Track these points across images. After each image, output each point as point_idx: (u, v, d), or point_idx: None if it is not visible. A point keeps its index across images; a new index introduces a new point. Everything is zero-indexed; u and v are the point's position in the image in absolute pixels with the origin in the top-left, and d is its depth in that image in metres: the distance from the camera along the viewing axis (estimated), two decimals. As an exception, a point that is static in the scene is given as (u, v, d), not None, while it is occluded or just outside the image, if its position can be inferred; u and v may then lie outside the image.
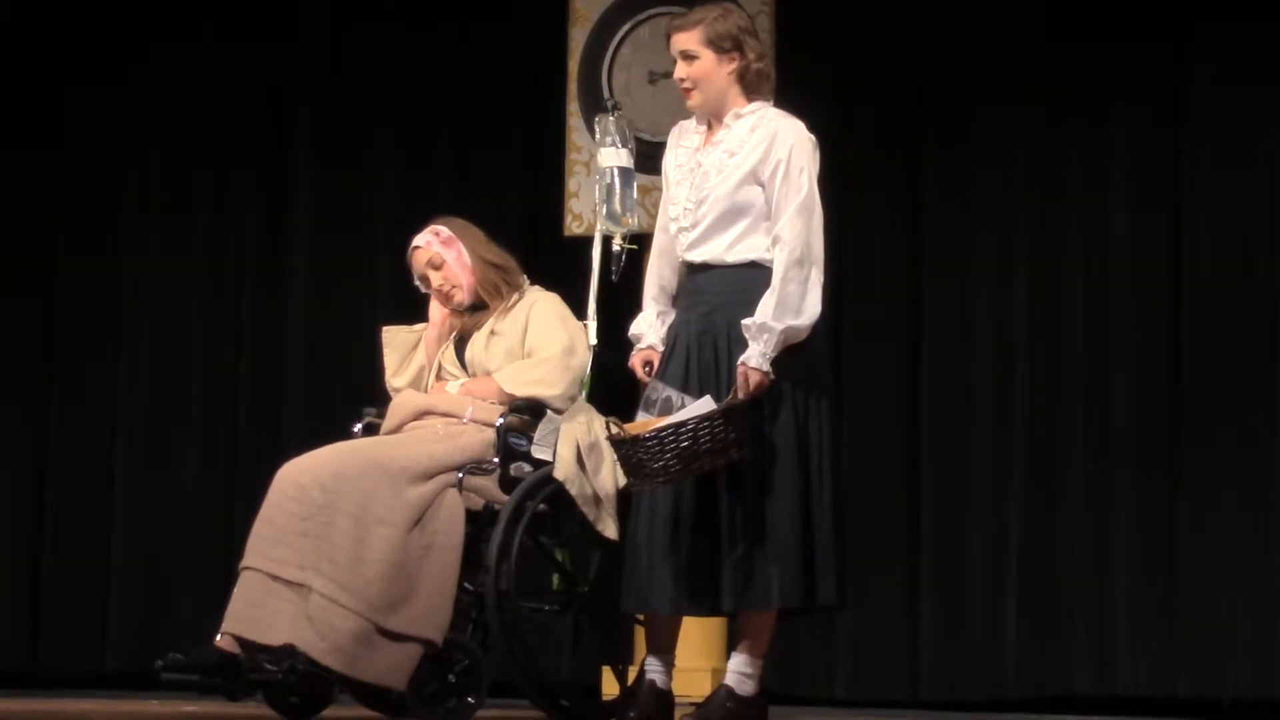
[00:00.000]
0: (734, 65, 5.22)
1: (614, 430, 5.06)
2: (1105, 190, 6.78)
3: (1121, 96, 6.78)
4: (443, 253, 5.61)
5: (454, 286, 5.61)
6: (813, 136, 5.20)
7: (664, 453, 4.96)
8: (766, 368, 5.06)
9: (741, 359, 5.07)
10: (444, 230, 5.64)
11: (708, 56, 5.21)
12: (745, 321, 5.07)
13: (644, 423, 5.05)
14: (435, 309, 5.66)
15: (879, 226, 7.00)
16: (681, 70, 5.22)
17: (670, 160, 5.30)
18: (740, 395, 5.02)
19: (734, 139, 5.22)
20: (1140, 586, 6.64)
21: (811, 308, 5.12)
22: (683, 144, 5.30)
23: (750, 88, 5.25)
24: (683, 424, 4.97)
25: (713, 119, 5.26)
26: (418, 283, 5.68)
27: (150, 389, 7.64)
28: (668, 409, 5.06)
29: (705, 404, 5.00)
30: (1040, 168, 6.85)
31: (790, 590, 5.08)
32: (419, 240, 5.65)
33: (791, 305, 5.09)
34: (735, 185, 5.16)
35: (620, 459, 5.08)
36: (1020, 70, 6.87)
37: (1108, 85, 6.79)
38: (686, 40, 5.21)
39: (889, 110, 7.00)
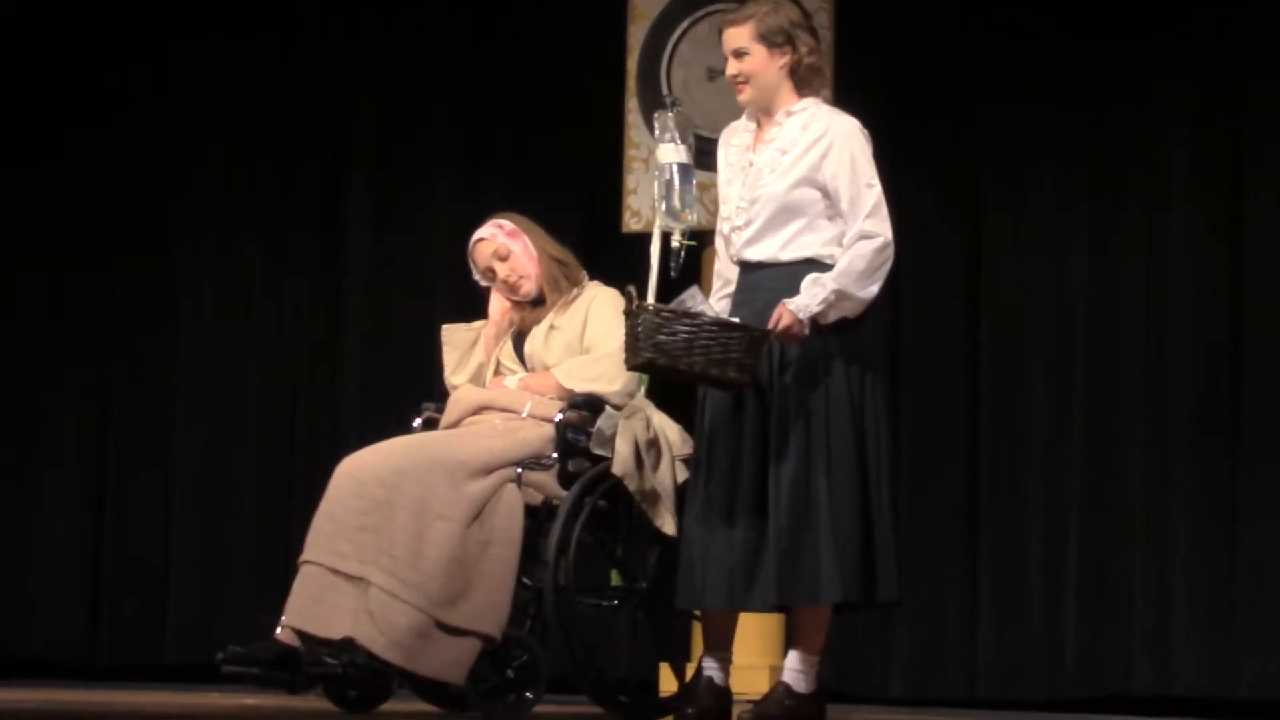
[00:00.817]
0: (786, 60, 5.19)
1: (634, 298, 5.06)
2: (1166, 173, 6.74)
3: (1179, 87, 6.75)
4: (509, 244, 5.60)
5: (521, 277, 5.60)
6: (864, 129, 5.17)
7: (664, 331, 4.96)
8: (804, 317, 5.03)
9: (784, 301, 5.04)
10: (507, 223, 5.63)
11: (759, 52, 5.18)
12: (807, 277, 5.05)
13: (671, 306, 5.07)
14: (495, 304, 5.65)
15: (938, 215, 6.97)
16: (734, 67, 5.20)
17: (722, 160, 5.29)
18: (770, 327, 5.00)
19: (786, 137, 5.19)
20: (1199, 587, 6.59)
21: (871, 289, 5.09)
22: (733, 143, 5.29)
23: (802, 83, 5.22)
24: (697, 315, 4.98)
25: (763, 116, 5.24)
26: (478, 277, 5.67)
27: (209, 385, 7.67)
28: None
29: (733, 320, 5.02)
30: (1100, 153, 6.82)
31: (851, 585, 5.05)
32: (483, 233, 5.64)
33: (853, 274, 5.07)
34: (790, 185, 5.14)
35: (626, 331, 5.05)
36: (1073, 58, 6.83)
37: (1164, 80, 6.77)
38: (738, 36, 5.19)
39: (947, 100, 6.98)
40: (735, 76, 5.20)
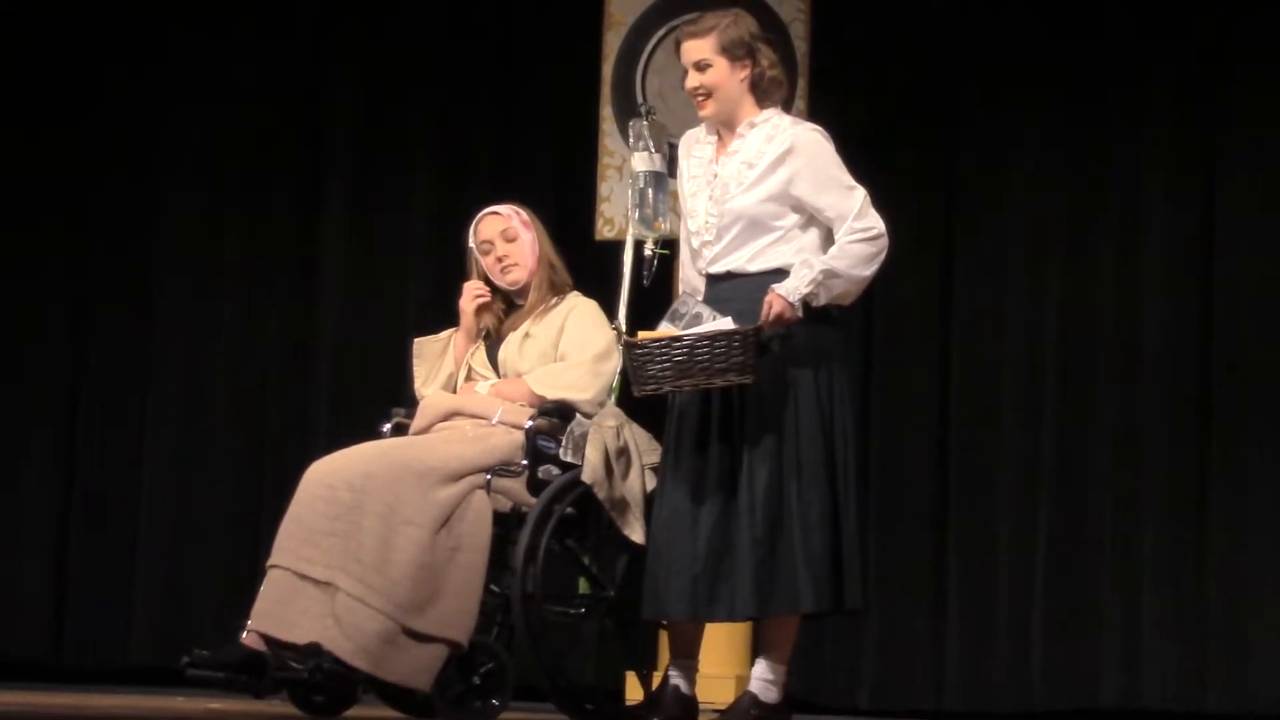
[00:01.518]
0: (747, 73, 5.16)
1: (622, 334, 5.10)
2: (1138, 194, 6.78)
3: (1157, 98, 6.79)
4: (520, 230, 5.59)
5: (515, 264, 5.57)
6: (825, 131, 5.15)
7: (654, 363, 4.99)
8: (794, 299, 5.01)
9: (774, 286, 5.01)
10: (524, 213, 5.63)
11: (721, 64, 5.15)
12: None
13: (660, 332, 5.07)
14: (467, 298, 5.59)
15: (911, 226, 6.96)
16: (695, 79, 5.16)
17: (684, 172, 5.26)
18: (762, 319, 4.99)
19: (751, 149, 5.16)
20: (1167, 598, 6.63)
21: (864, 272, 5.06)
22: (695, 155, 5.26)
23: (763, 95, 5.19)
24: (686, 338, 4.99)
25: (723, 128, 5.20)
26: (473, 246, 5.61)
27: (179, 388, 7.67)
28: (695, 324, 5.06)
29: (725, 324, 5.01)
30: (1074, 169, 6.84)
31: (822, 594, 5.03)
32: (499, 209, 5.62)
33: (845, 257, 5.05)
34: (759, 200, 5.12)
35: (625, 363, 5.07)
36: (1051, 69, 6.87)
37: (1145, 85, 6.81)
38: (700, 48, 5.14)
39: (922, 110, 7.02)
40: (697, 89, 5.16)
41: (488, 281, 5.61)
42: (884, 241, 5.11)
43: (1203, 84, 6.73)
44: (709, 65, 5.14)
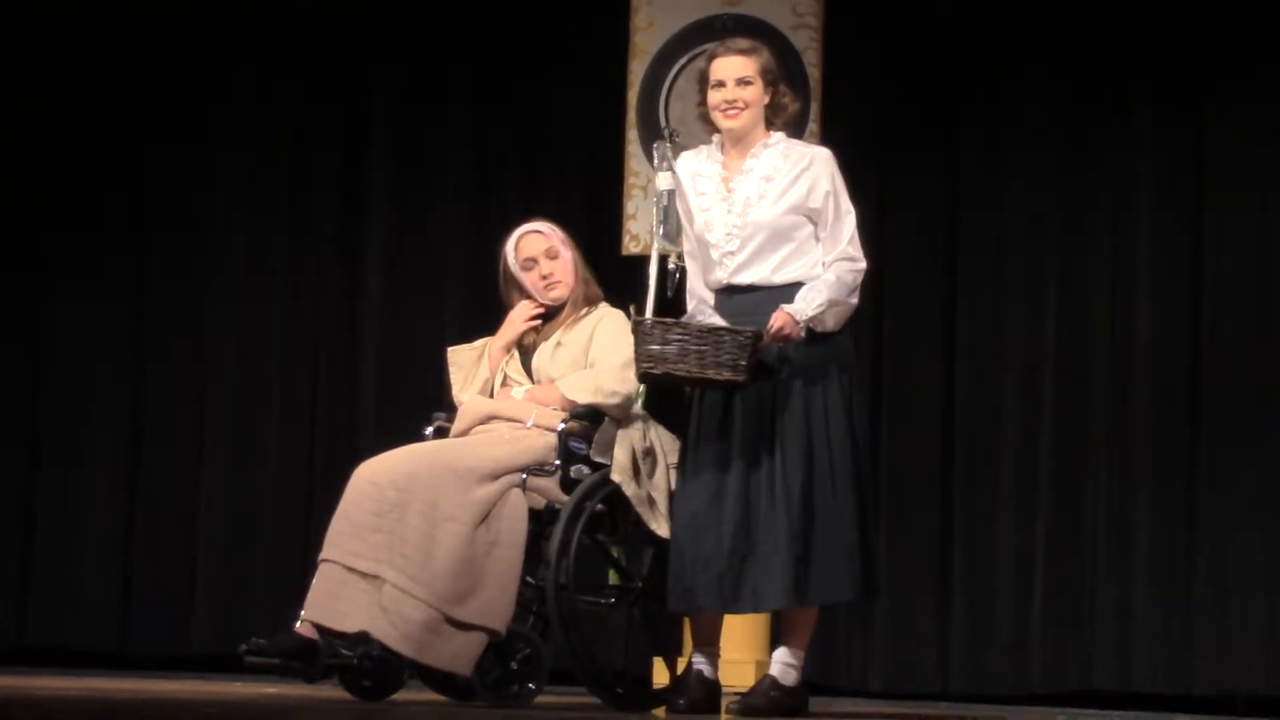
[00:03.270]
0: (769, 98, 5.25)
1: (633, 314, 5.16)
2: (1129, 202, 6.77)
3: (1146, 120, 6.81)
4: (560, 249, 5.60)
5: (559, 281, 5.58)
6: (833, 155, 5.24)
7: (655, 341, 5.05)
8: (801, 320, 5.10)
9: (783, 305, 5.10)
10: (561, 232, 5.63)
11: (759, 84, 5.23)
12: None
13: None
14: (522, 314, 5.61)
15: (918, 233, 7.01)
16: (734, 92, 5.19)
17: (690, 188, 5.28)
18: (766, 332, 5.07)
19: (768, 165, 5.22)
20: (1159, 588, 6.61)
21: (853, 300, 5.18)
22: (700, 172, 5.28)
23: (769, 121, 5.27)
24: (687, 324, 5.07)
25: (732, 147, 5.26)
26: (513, 265, 5.59)
27: (234, 392, 7.64)
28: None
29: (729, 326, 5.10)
30: (1068, 183, 6.86)
31: (859, 583, 5.10)
32: (540, 227, 5.62)
33: (841, 286, 5.15)
34: (781, 212, 5.18)
35: (634, 343, 5.14)
36: (1052, 91, 6.88)
37: (1132, 110, 6.82)
38: (746, 65, 5.21)
39: (927, 127, 7.03)
40: (734, 102, 5.20)
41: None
42: (863, 272, 5.20)
43: (1191, 88, 6.72)
44: (750, 83, 5.21)
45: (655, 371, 5.11)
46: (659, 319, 5.18)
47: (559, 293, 5.59)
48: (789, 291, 5.17)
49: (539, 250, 5.60)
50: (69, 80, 7.84)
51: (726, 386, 5.11)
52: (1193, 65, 6.76)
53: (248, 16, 7.72)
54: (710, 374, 5.05)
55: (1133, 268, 6.78)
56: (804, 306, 5.10)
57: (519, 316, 5.61)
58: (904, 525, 6.86)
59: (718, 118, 5.24)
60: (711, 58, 5.27)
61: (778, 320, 5.09)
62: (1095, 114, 6.85)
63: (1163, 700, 6.55)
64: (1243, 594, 6.53)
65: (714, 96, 5.24)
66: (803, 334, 5.11)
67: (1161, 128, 6.78)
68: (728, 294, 5.25)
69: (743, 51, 5.23)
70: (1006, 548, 6.81)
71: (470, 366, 5.64)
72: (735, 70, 5.21)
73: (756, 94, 5.21)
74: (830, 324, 5.14)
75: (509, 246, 5.64)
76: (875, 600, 5.36)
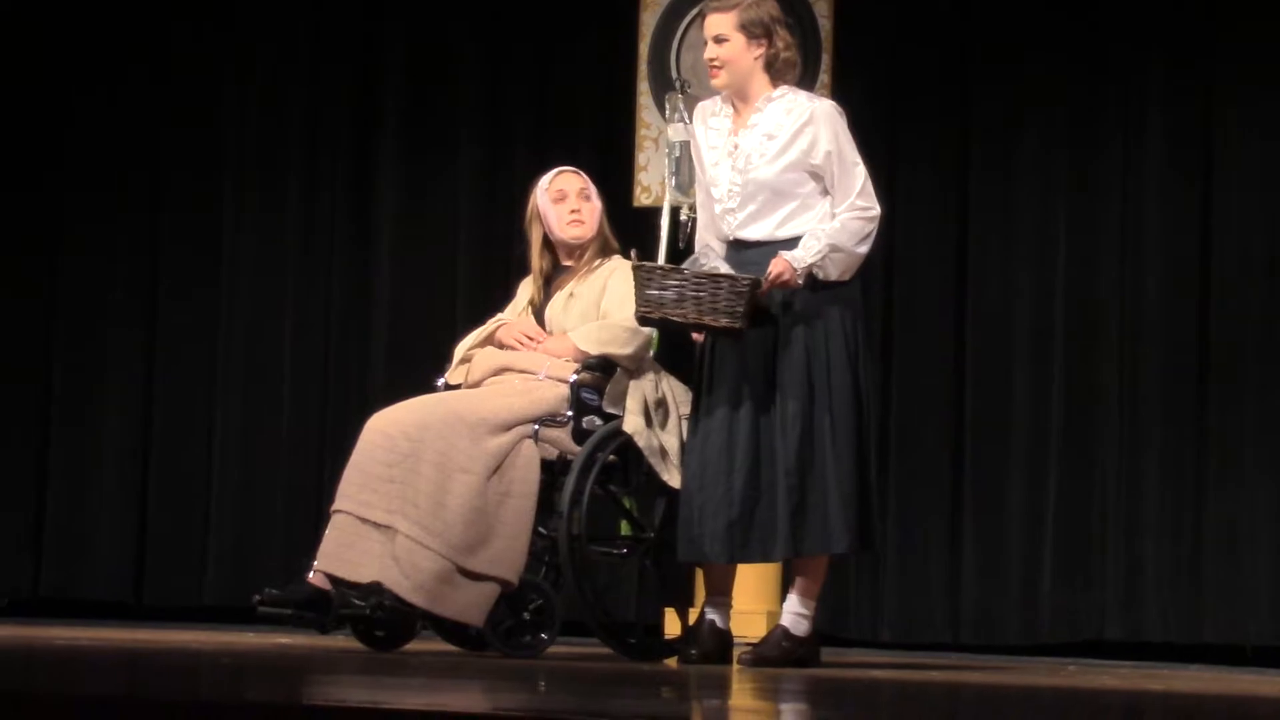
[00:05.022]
0: (762, 51, 5.19)
1: (633, 258, 5.15)
2: (1141, 157, 6.72)
3: (1156, 82, 6.74)
4: (593, 194, 5.59)
5: (583, 222, 5.54)
6: (840, 107, 5.18)
7: (653, 286, 5.04)
8: (799, 266, 5.04)
9: (782, 252, 5.05)
10: (593, 184, 5.62)
11: (738, 40, 5.18)
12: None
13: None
14: (511, 337, 5.55)
15: (929, 195, 6.95)
16: (712, 50, 5.20)
17: (703, 140, 5.26)
18: (764, 279, 5.02)
19: (770, 121, 5.18)
20: (1168, 540, 6.59)
21: (861, 248, 5.09)
22: (712, 125, 5.27)
23: (777, 75, 5.22)
24: (684, 270, 5.05)
25: (738, 101, 5.22)
26: (543, 198, 5.55)
27: (246, 345, 7.62)
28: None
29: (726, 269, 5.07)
30: (1080, 139, 6.80)
31: (853, 536, 5.05)
32: (573, 169, 5.61)
33: (846, 233, 5.09)
34: (781, 169, 5.15)
35: (635, 286, 5.12)
36: (1064, 41, 6.81)
37: (1144, 72, 6.75)
38: (720, 23, 5.19)
39: (940, 85, 6.96)
40: (712, 60, 5.20)
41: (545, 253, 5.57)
42: (877, 221, 5.14)
43: (1199, 54, 6.67)
44: (725, 40, 5.18)
45: (653, 316, 5.11)
46: (658, 264, 5.12)
47: (580, 231, 5.56)
48: (794, 245, 5.14)
49: (574, 188, 5.58)
50: (86, 58, 7.79)
51: (724, 333, 5.06)
52: (1204, 21, 6.69)
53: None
54: (707, 320, 5.05)
55: (1140, 227, 6.74)
56: (803, 254, 5.07)
57: (508, 337, 5.55)
58: (915, 478, 6.85)
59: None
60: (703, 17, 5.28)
61: (776, 266, 5.05)
62: (1109, 68, 6.79)
63: (1173, 650, 6.54)
64: (1251, 545, 6.52)
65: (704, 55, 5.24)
66: (801, 281, 5.04)
67: (1173, 83, 6.73)
68: (735, 248, 5.24)
69: (718, 9, 5.22)
70: (1016, 500, 6.80)
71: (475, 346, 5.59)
72: (711, 28, 5.22)
73: (735, 51, 5.18)
74: (834, 272, 5.08)
75: (543, 180, 5.62)
76: (870, 555, 5.28)
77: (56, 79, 7.78)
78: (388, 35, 7.60)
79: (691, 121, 5.51)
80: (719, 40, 5.18)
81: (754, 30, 5.17)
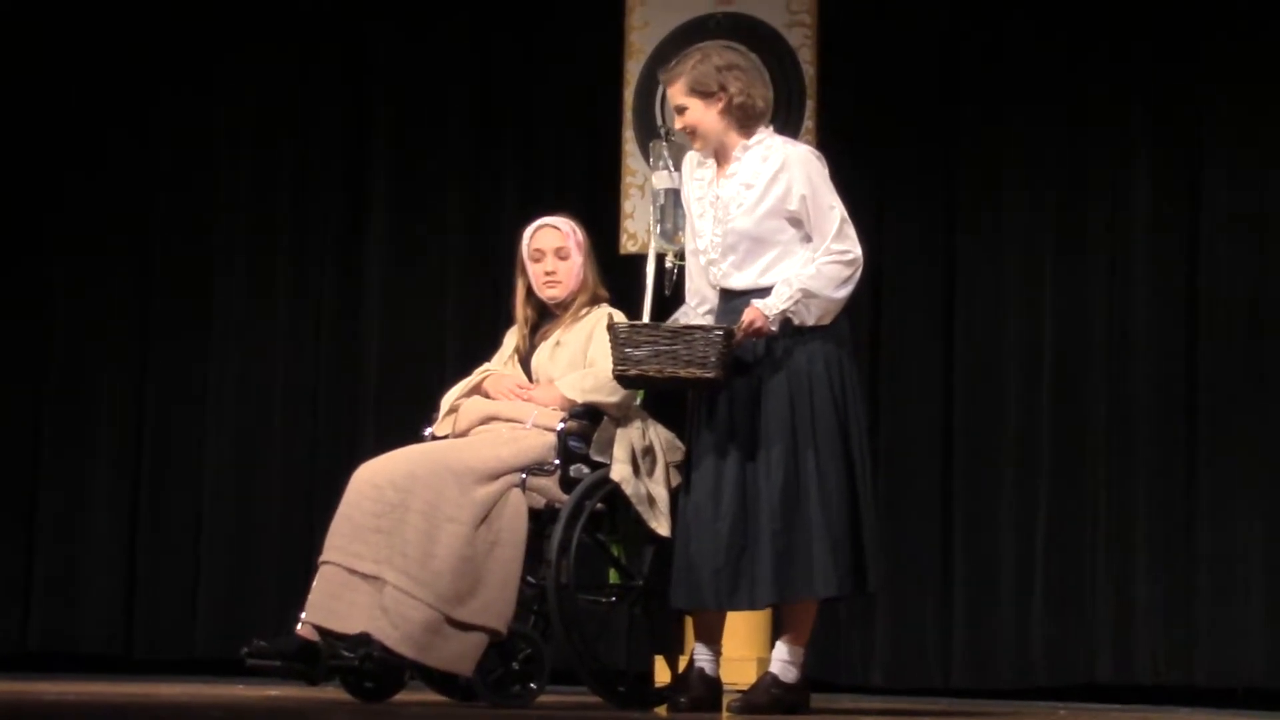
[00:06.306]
0: (720, 104, 5.17)
1: (612, 320, 5.20)
2: (1127, 187, 6.74)
3: (1142, 119, 6.76)
4: (573, 251, 5.55)
5: (559, 282, 5.53)
6: (817, 153, 5.18)
7: (628, 345, 5.05)
8: (770, 314, 5.03)
9: (754, 301, 5.05)
10: (579, 233, 5.58)
11: (695, 104, 5.19)
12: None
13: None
14: (501, 390, 5.52)
15: (916, 224, 6.96)
16: (679, 121, 5.21)
17: (689, 192, 5.27)
18: (737, 329, 5.02)
19: (748, 170, 5.17)
20: (1160, 583, 6.58)
21: (835, 295, 5.07)
22: (696, 177, 5.28)
23: (747, 120, 5.19)
24: (656, 326, 5.07)
25: (719, 153, 5.23)
26: (525, 253, 5.55)
27: (236, 396, 7.62)
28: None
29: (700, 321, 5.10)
30: (1066, 172, 6.81)
31: (845, 579, 5.04)
32: (558, 224, 5.57)
33: (821, 278, 5.06)
34: (759, 219, 5.14)
35: (611, 347, 5.14)
36: (1047, 86, 6.83)
37: (1130, 107, 6.77)
38: (675, 94, 5.21)
39: (925, 124, 6.99)
40: (683, 130, 5.21)
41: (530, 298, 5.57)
42: (859, 265, 5.11)
43: (1185, 89, 6.70)
44: (685, 108, 5.20)
45: (630, 374, 5.10)
46: (631, 322, 5.18)
47: (555, 293, 5.56)
48: (780, 292, 5.13)
49: (550, 246, 5.55)
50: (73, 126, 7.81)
51: (703, 385, 5.03)
52: (1190, 42, 6.70)
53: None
54: (683, 373, 5.01)
55: (1128, 254, 6.74)
56: (775, 301, 5.06)
57: (496, 390, 5.51)
58: (904, 519, 6.84)
59: None
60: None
61: (747, 315, 5.05)
62: (1092, 106, 6.80)
63: (1164, 692, 6.52)
64: (1244, 586, 6.51)
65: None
66: (775, 328, 5.02)
67: (1160, 119, 6.75)
68: (725, 298, 5.23)
69: (669, 81, 5.24)
70: (1007, 541, 6.80)
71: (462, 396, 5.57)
72: (671, 100, 5.24)
73: (696, 114, 5.18)
74: (810, 318, 5.07)
75: (527, 231, 5.61)
76: (866, 597, 5.26)
77: (45, 142, 7.79)
78: (374, 80, 7.60)
79: (677, 169, 5.50)
80: (680, 110, 5.20)
81: (705, 89, 5.17)
